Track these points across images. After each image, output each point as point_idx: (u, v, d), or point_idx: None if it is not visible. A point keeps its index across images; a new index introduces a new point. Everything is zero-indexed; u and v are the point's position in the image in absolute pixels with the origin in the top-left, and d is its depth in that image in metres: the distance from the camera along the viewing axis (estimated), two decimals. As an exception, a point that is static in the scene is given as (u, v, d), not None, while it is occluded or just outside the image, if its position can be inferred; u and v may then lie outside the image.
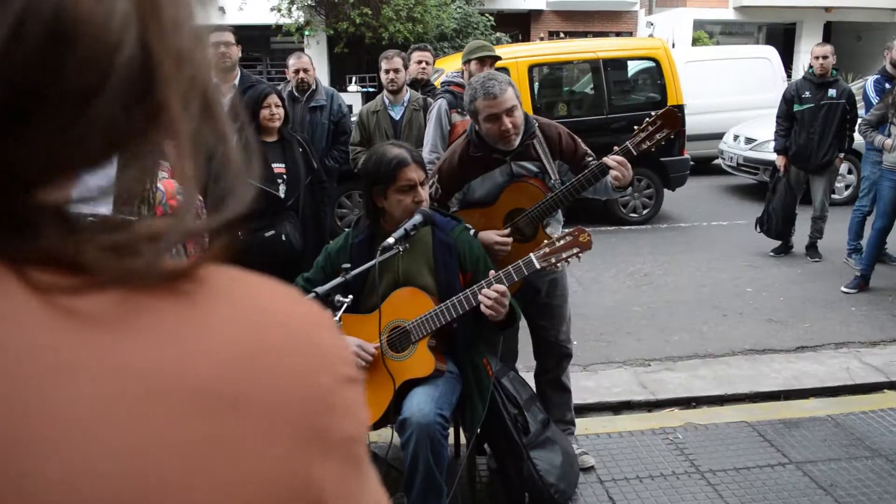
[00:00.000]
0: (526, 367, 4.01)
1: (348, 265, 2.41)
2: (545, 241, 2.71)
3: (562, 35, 20.85)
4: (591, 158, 3.27)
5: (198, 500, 0.41)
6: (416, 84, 5.76)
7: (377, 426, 2.95)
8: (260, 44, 19.50)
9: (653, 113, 3.14)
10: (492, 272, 2.72)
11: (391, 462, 3.18)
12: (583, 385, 4.50)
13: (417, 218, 2.68)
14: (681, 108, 8.67)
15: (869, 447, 3.80)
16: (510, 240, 3.18)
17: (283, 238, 4.29)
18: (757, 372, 4.73)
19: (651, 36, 18.40)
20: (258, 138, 4.32)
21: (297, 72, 5.68)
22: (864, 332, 5.45)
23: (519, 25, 21.41)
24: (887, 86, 6.49)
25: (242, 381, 0.43)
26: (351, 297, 2.32)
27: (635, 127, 3.16)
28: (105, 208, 1.68)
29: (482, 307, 2.63)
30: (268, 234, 4.26)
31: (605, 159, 3.05)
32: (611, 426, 4.02)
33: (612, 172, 3.03)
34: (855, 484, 3.46)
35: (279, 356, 0.46)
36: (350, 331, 2.82)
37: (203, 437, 0.41)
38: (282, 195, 4.34)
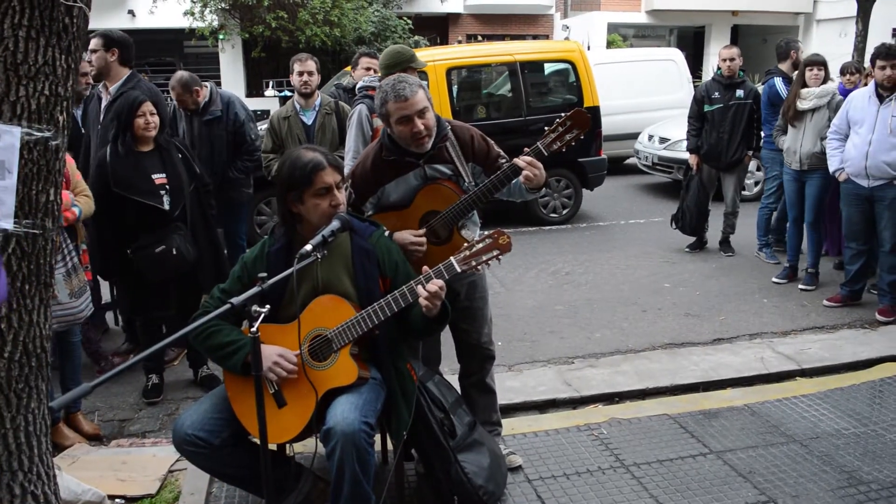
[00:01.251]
0: (451, 370, 4.01)
1: (264, 275, 2.34)
2: (465, 245, 2.69)
3: (480, 38, 21.03)
4: (504, 161, 3.26)
5: None
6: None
7: (301, 437, 2.89)
8: (173, 48, 19.02)
9: (562, 114, 3.16)
10: (425, 267, 2.68)
11: (317, 473, 3.12)
12: (508, 385, 4.52)
13: (335, 224, 2.63)
14: (596, 109, 8.84)
15: (784, 433, 3.92)
16: (424, 240, 3.16)
17: (174, 252, 4.12)
18: (676, 365, 4.83)
19: (567, 39, 18.74)
20: (134, 149, 4.15)
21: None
22: (776, 322, 5.65)
23: (437, 29, 21.50)
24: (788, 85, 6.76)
25: None
26: (268, 307, 2.25)
27: (546, 128, 3.17)
28: (5, 223, 1.57)
29: (421, 299, 2.59)
30: (158, 250, 4.09)
31: (515, 160, 3.06)
32: (536, 425, 4.04)
33: (524, 173, 3.04)
34: (772, 469, 3.56)
35: None
36: (270, 341, 2.75)
37: None
38: (166, 207, 4.17)
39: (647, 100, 11.85)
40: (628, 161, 12.22)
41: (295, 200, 2.79)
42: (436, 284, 2.64)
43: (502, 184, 3.11)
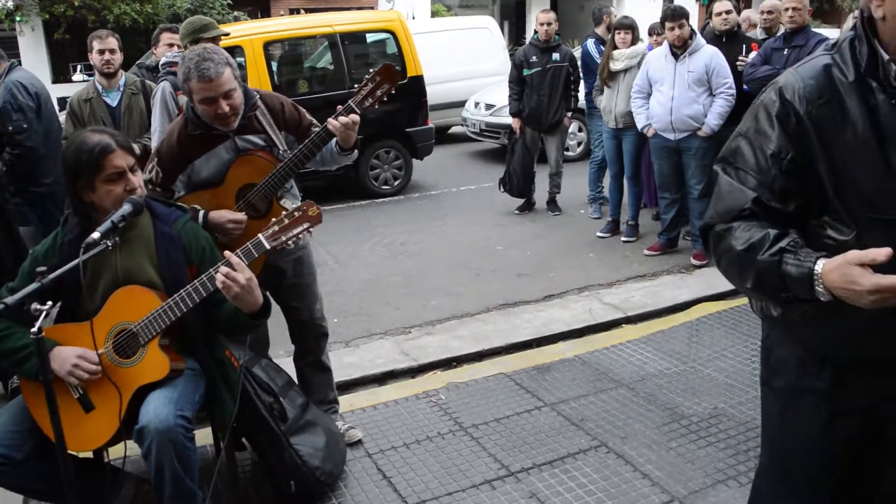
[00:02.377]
0: (286, 353, 3.89)
1: (44, 268, 2.11)
2: (273, 220, 2.57)
3: (302, 12, 20.52)
4: (316, 129, 3.16)
5: None
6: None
7: (113, 442, 2.68)
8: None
9: (371, 70, 3.10)
10: (227, 252, 2.52)
11: (141, 475, 2.92)
12: (346, 361, 4.45)
13: (126, 207, 2.42)
14: (420, 78, 8.83)
15: (612, 379, 4.10)
16: (244, 216, 3.01)
17: None
18: (510, 324, 4.94)
19: (392, 10, 18.63)
20: None
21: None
22: (602, 275, 5.89)
23: (258, 3, 20.77)
24: (602, 48, 7.02)
25: None
26: (50, 303, 2.04)
27: (355, 85, 3.09)
28: None
29: (217, 283, 2.43)
30: None
31: (328, 121, 2.96)
32: (375, 398, 4.00)
33: (339, 133, 2.94)
34: (602, 415, 3.72)
35: None
36: (70, 341, 2.52)
37: None
38: None
39: (465, 68, 11.91)
40: (452, 130, 12.34)
41: (85, 188, 2.55)
42: (227, 270, 2.43)
43: (318, 147, 3.01)
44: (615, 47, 6.58)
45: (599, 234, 6.89)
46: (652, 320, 5.03)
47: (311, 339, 3.51)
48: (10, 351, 2.54)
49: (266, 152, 3.09)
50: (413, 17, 16.73)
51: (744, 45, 5.98)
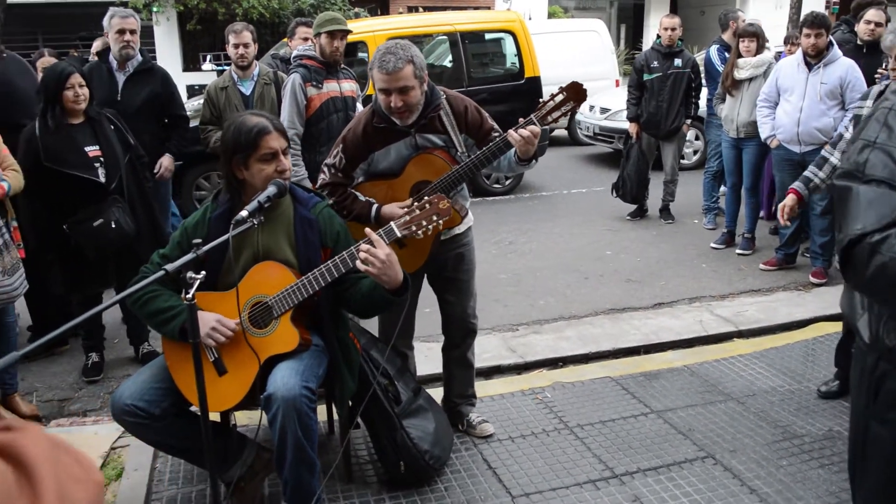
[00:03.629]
0: (428, 339, 3.98)
1: (199, 241, 2.29)
2: (405, 210, 2.68)
3: (420, 10, 20.83)
4: (496, 134, 3.21)
5: None
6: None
7: (243, 406, 2.86)
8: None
9: (559, 86, 3.12)
10: (368, 230, 2.64)
11: (262, 444, 3.09)
12: (454, 353, 4.54)
13: (271, 189, 2.59)
14: (537, 79, 8.86)
15: (722, 392, 4.03)
16: None
17: (113, 225, 4.02)
18: (618, 329, 4.92)
19: (509, 10, 18.69)
20: (64, 122, 4.02)
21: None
22: (714, 286, 5.78)
23: (377, 0, 21.23)
24: (726, 55, 6.87)
25: None
26: (204, 273, 2.21)
27: (540, 100, 3.12)
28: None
29: (358, 262, 2.56)
30: (96, 224, 3.99)
31: (508, 133, 3.01)
32: (482, 391, 4.06)
33: (519, 145, 2.99)
34: (711, 427, 3.67)
35: None
36: (210, 308, 2.71)
37: None
38: (102, 180, 4.06)
39: (573, 71, 11.73)
40: (554, 133, 12.27)
41: (240, 165, 2.73)
42: (367, 247, 2.57)
43: (494, 156, 3.08)
44: (740, 55, 6.43)
45: (714, 244, 6.75)
46: (765, 336, 4.90)
47: (460, 333, 3.59)
48: (157, 311, 2.74)
49: (444, 152, 3.19)
50: (530, 18, 16.74)
51: (884, 58, 5.74)
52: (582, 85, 3.08)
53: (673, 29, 7.19)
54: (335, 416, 3.50)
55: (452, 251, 3.40)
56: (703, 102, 7.41)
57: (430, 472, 3.20)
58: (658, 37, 7.42)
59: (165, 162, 5.11)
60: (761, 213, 6.97)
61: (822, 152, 3.84)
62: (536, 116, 3.04)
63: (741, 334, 4.92)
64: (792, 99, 5.59)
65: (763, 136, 5.89)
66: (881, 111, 1.65)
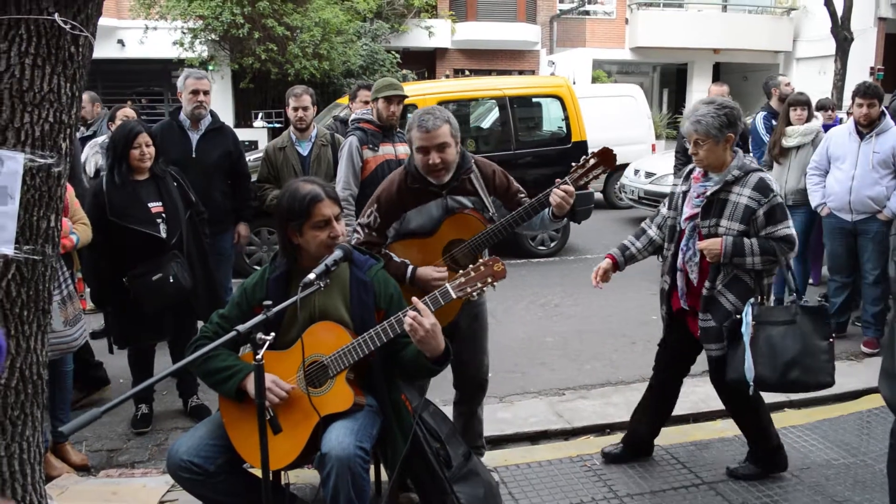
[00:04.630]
0: (442, 402, 4.00)
1: (269, 302, 2.36)
2: (461, 272, 2.73)
3: (467, 73, 21.25)
4: (522, 195, 3.40)
5: None
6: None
7: (296, 465, 2.88)
8: (162, 78, 19.09)
9: (590, 151, 3.31)
10: (414, 298, 2.70)
11: (314, 503, 3.10)
12: (500, 416, 4.53)
13: (338, 253, 2.66)
14: (584, 143, 8.95)
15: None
16: (446, 275, 3.20)
17: (171, 279, 4.13)
18: (666, 397, 4.84)
19: (553, 74, 18.98)
20: (130, 178, 4.18)
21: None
22: (763, 355, 5.67)
23: (425, 63, 21.72)
24: (773, 122, 6.88)
25: None
26: (273, 334, 2.27)
27: (573, 164, 3.28)
28: (6, 248, 1.60)
29: (405, 325, 2.61)
30: (155, 278, 4.10)
31: (552, 190, 3.16)
32: (529, 456, 4.04)
33: (559, 201, 3.14)
34: (764, 500, 3.58)
35: None
36: (268, 367, 2.75)
37: None
38: (163, 235, 4.19)
39: (610, 135, 11.81)
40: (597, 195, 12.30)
41: (294, 231, 2.81)
42: (414, 314, 2.61)
43: (535, 212, 3.23)
44: (789, 123, 6.44)
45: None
46: (817, 406, 4.79)
47: (471, 389, 3.65)
48: (215, 371, 2.80)
49: (477, 212, 3.30)
50: (574, 82, 16.98)
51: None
52: (612, 150, 3.26)
53: (721, 96, 7.23)
54: (384, 478, 3.49)
55: (468, 312, 3.44)
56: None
57: (478, 537, 3.16)
58: (704, 103, 7.46)
59: (243, 231, 5.29)
60: (810, 281, 6.88)
61: (642, 224, 3.88)
62: (570, 179, 3.21)
63: (792, 404, 4.82)
64: (844, 167, 5.57)
65: (814, 204, 5.86)
66: None
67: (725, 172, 3.36)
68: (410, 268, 3.20)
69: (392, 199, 3.31)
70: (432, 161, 3.13)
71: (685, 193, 3.56)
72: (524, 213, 3.21)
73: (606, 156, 3.23)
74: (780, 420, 4.50)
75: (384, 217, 3.31)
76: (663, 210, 3.71)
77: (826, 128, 6.45)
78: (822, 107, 7.11)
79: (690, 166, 3.60)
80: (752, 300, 3.41)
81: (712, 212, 3.39)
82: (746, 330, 3.34)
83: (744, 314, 3.37)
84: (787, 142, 6.38)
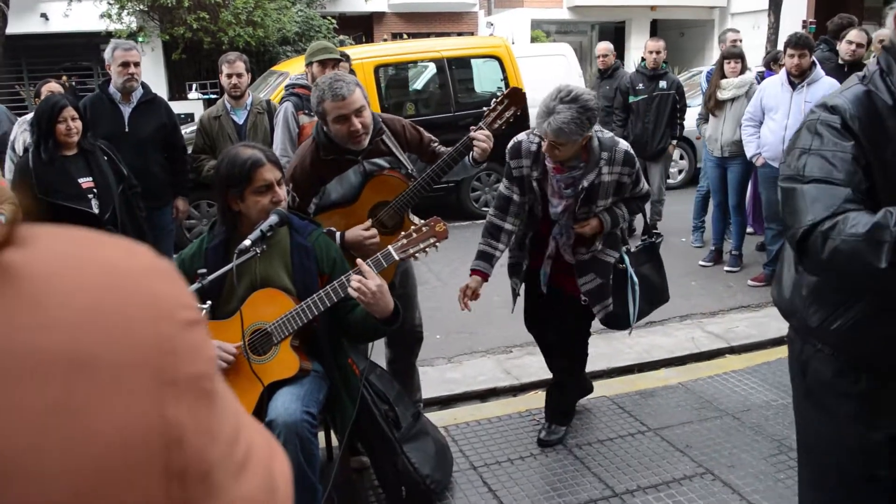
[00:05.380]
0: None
1: (204, 270, 2.32)
2: (402, 234, 2.72)
3: (405, 36, 21.00)
4: (436, 144, 3.38)
5: (49, 461, 0.43)
6: None
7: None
8: (90, 51, 18.44)
9: (498, 94, 3.30)
10: (359, 260, 2.68)
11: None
12: (449, 377, 4.57)
13: (273, 218, 2.61)
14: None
15: (717, 408, 4.06)
16: (375, 231, 3.18)
17: None
18: (612, 349, 4.95)
19: (492, 35, 18.88)
20: (58, 154, 4.06)
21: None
22: (704, 303, 5.83)
23: (362, 27, 21.40)
24: None
25: (85, 343, 0.46)
26: (209, 302, 2.23)
27: (485, 108, 3.27)
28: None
29: (350, 290, 2.59)
30: None
31: (472, 133, 3.17)
32: (479, 413, 4.09)
33: (481, 145, 3.14)
34: (707, 443, 3.70)
35: (118, 313, 0.48)
36: (213, 338, 2.72)
37: (51, 402, 0.44)
38: (96, 210, 4.09)
39: (540, 94, 11.85)
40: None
41: (235, 198, 2.76)
42: (359, 277, 2.60)
43: (455, 161, 3.19)
44: (723, 76, 6.54)
45: (702, 262, 6.82)
46: (757, 351, 4.95)
47: (408, 344, 3.66)
48: None
49: (395, 171, 3.26)
50: (513, 43, 16.92)
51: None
52: (521, 90, 3.33)
53: (658, 52, 7.31)
54: (334, 443, 3.50)
55: (399, 269, 3.44)
56: (688, 123, 7.53)
57: (430, 496, 3.19)
58: (643, 59, 7.53)
59: (181, 205, 5.18)
60: (748, 230, 7.04)
61: (493, 220, 3.59)
62: (485, 124, 3.22)
63: (733, 350, 4.97)
64: (777, 117, 5.69)
65: (749, 154, 5.98)
66: (811, 122, 1.86)
67: (595, 162, 3.23)
68: (338, 233, 3.16)
69: (307, 175, 3.24)
70: (354, 127, 3.06)
71: (539, 180, 3.34)
72: (444, 165, 3.18)
73: (515, 95, 3.23)
74: (721, 366, 4.67)
75: (302, 194, 3.23)
76: (515, 197, 3.44)
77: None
78: (774, 59, 7.22)
79: (531, 143, 3.34)
80: (624, 248, 3.55)
81: (588, 199, 3.29)
82: (630, 275, 3.52)
83: (627, 263, 3.51)
84: (722, 94, 6.49)
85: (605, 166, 3.25)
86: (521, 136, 3.36)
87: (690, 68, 15.32)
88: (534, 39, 21.17)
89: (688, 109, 7.51)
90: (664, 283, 3.79)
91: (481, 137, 3.15)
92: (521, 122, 8.95)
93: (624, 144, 3.30)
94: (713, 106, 6.55)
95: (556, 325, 3.74)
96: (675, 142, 7.45)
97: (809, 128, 1.85)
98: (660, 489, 3.32)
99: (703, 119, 6.77)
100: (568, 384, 3.83)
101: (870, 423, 1.91)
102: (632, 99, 7.38)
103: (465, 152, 3.18)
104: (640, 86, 7.35)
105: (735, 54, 6.51)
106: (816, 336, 1.94)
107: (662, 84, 7.29)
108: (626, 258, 3.52)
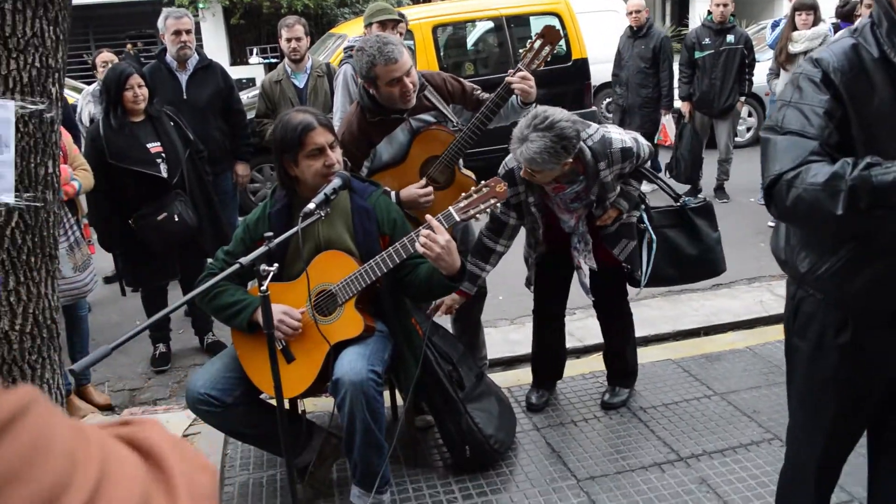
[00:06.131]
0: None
1: (270, 234, 2.36)
2: (463, 195, 2.71)
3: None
4: (478, 91, 3.35)
5: None
6: None
7: (310, 392, 2.92)
8: (154, 19, 18.72)
9: (533, 34, 3.23)
10: (428, 216, 2.68)
11: (330, 430, 3.16)
12: (512, 338, 4.57)
13: (336, 182, 2.63)
14: (585, 61, 8.79)
15: (785, 373, 3.96)
16: (431, 189, 3.17)
17: (177, 218, 4.14)
18: (678, 312, 4.88)
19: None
20: (126, 121, 4.15)
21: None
22: (773, 265, 5.58)
23: (420, -12, 21.20)
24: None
25: None
26: (276, 265, 2.27)
27: (521, 50, 3.24)
28: (6, 197, 1.58)
29: (418, 246, 2.60)
30: (160, 218, 4.11)
31: (507, 79, 3.12)
32: (542, 375, 4.08)
33: (518, 86, 3.09)
34: (776, 408, 3.62)
35: None
36: (276, 299, 2.76)
37: None
38: (164, 175, 4.17)
39: (592, 52, 11.34)
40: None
41: (290, 163, 2.79)
42: (428, 232, 2.61)
43: (498, 107, 3.16)
44: (794, 28, 6.30)
45: (771, 223, 6.63)
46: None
47: (474, 297, 3.61)
48: (226, 306, 2.82)
49: (440, 125, 3.25)
50: None
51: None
52: (555, 27, 3.22)
53: (725, 5, 7.06)
54: (399, 403, 3.54)
55: (458, 225, 3.41)
56: (756, 79, 7.28)
57: (494, 456, 3.22)
58: (709, 13, 7.29)
59: (241, 170, 5.25)
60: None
61: (485, 242, 3.43)
62: (523, 65, 3.15)
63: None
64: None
65: None
66: (795, 76, 1.91)
67: (594, 172, 3.12)
68: (393, 193, 3.16)
69: (356, 139, 3.24)
70: (406, 88, 3.06)
71: (538, 204, 3.27)
72: (488, 112, 3.14)
73: (549, 32, 3.17)
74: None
75: (354, 159, 3.24)
76: (511, 221, 3.35)
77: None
78: (851, 11, 6.90)
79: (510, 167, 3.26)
80: (643, 206, 3.49)
81: (599, 201, 3.23)
82: (648, 231, 3.48)
83: (645, 222, 3.48)
84: (794, 47, 6.26)
85: (605, 169, 3.16)
86: (512, 162, 3.22)
87: (759, 21, 14.76)
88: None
89: (756, 64, 7.25)
90: (706, 252, 3.61)
91: (517, 80, 3.09)
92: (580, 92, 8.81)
93: (618, 143, 3.14)
94: (784, 60, 6.33)
95: (599, 296, 3.69)
96: (743, 98, 7.22)
97: (793, 81, 1.91)
98: (726, 454, 3.27)
99: (774, 74, 6.54)
100: (626, 348, 3.80)
101: (855, 366, 2.03)
102: (698, 54, 7.16)
103: (506, 96, 3.14)
104: (707, 40, 7.12)
105: (807, 5, 6.25)
106: (807, 282, 2.04)
107: (730, 38, 7.05)
108: (645, 216, 3.47)
